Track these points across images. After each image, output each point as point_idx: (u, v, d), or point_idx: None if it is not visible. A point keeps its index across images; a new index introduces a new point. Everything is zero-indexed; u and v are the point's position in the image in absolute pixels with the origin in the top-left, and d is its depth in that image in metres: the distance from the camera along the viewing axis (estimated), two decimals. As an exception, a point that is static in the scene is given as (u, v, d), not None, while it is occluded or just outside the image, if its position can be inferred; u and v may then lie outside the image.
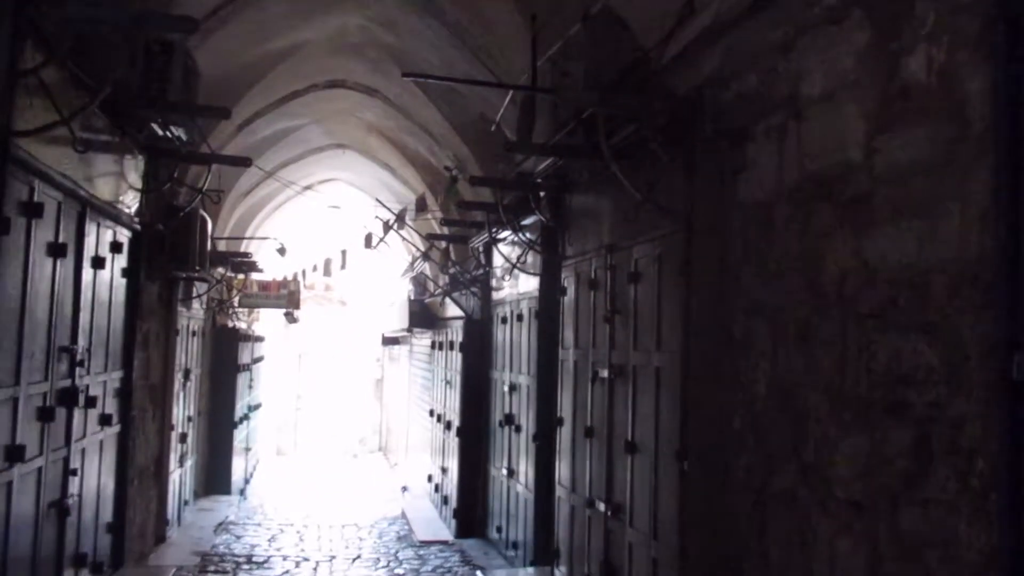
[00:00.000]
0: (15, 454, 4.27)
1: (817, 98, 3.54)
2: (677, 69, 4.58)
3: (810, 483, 3.51)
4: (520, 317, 7.95)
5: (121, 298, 6.48)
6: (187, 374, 9.63)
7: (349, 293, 20.52)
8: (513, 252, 8.13)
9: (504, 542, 8.24)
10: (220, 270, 9.61)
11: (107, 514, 6.35)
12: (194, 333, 10.02)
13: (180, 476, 9.58)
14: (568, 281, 6.51)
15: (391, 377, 18.62)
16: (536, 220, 7.22)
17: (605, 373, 5.52)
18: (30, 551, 4.64)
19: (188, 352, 9.74)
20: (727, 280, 4.20)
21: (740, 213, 4.14)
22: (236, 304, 13.20)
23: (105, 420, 6.04)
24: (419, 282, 13.07)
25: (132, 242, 6.65)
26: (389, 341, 17.22)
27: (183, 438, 9.57)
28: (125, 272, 6.53)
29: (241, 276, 13.50)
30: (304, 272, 12.20)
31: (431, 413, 11.66)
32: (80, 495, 5.52)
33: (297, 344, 20.89)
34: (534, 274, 7.46)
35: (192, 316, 9.85)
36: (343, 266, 11.50)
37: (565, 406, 6.49)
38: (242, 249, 11.41)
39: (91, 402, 5.58)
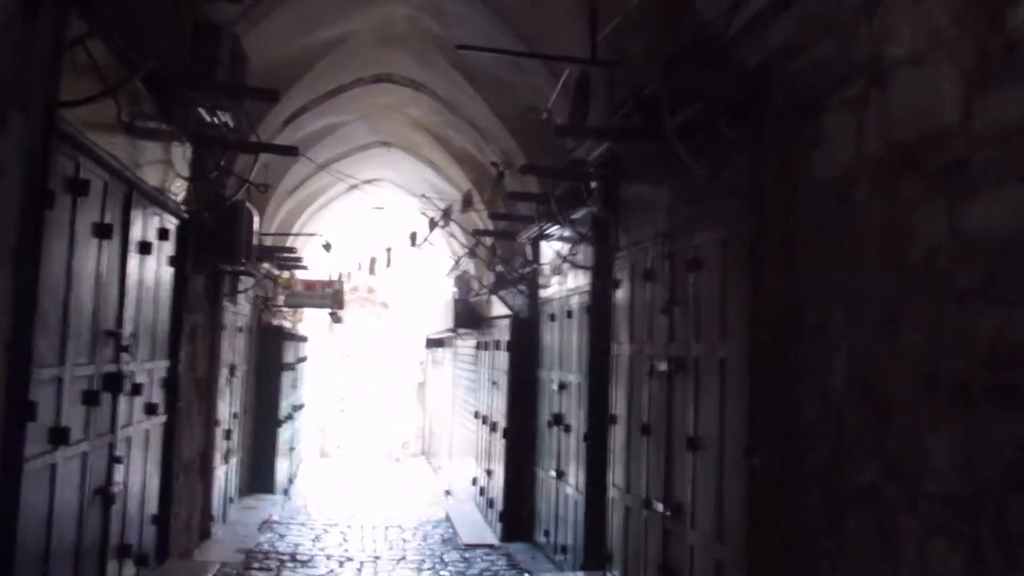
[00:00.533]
0: (59, 436, 4.17)
1: (904, 60, 3.27)
2: (744, 41, 4.34)
3: (895, 479, 3.23)
4: (569, 314, 7.73)
5: (167, 287, 6.41)
6: (232, 370, 9.58)
7: (393, 296, 20.49)
8: (562, 247, 7.93)
9: (552, 546, 8.00)
10: (266, 266, 9.55)
11: (152, 506, 6.25)
12: (239, 329, 9.98)
13: (225, 473, 9.52)
14: (621, 273, 6.27)
15: (434, 380, 18.50)
16: (587, 212, 7.01)
17: (663, 367, 5.27)
18: (74, 538, 4.53)
19: (234, 348, 9.69)
20: (799, 263, 3.94)
21: (814, 191, 3.88)
22: (281, 302, 13.18)
23: (151, 409, 5.95)
24: (464, 282, 12.92)
25: (179, 231, 6.58)
26: (433, 343, 17.10)
27: (228, 434, 9.52)
28: (172, 261, 6.45)
29: (287, 274, 13.50)
30: (349, 273, 12.12)
31: (476, 415, 11.47)
32: (125, 484, 5.42)
33: (341, 346, 20.90)
34: (584, 268, 7.24)
35: (238, 312, 9.81)
36: (388, 264, 11.39)
37: (619, 404, 6.25)
38: (288, 247, 11.36)
39: (136, 389, 5.49)
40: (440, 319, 13.90)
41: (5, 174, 3.63)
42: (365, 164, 12.66)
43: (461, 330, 12.51)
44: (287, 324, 13.69)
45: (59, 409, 4.20)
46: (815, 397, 3.78)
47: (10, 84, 3.62)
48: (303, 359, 15.14)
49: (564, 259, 7.35)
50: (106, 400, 4.93)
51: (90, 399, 4.61)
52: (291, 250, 10.10)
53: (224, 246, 8.02)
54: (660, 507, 5.23)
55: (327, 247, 10.00)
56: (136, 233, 5.44)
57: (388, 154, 11.93)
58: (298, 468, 15.07)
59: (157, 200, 5.85)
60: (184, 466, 7.73)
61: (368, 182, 14.07)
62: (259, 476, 11.66)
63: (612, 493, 6.30)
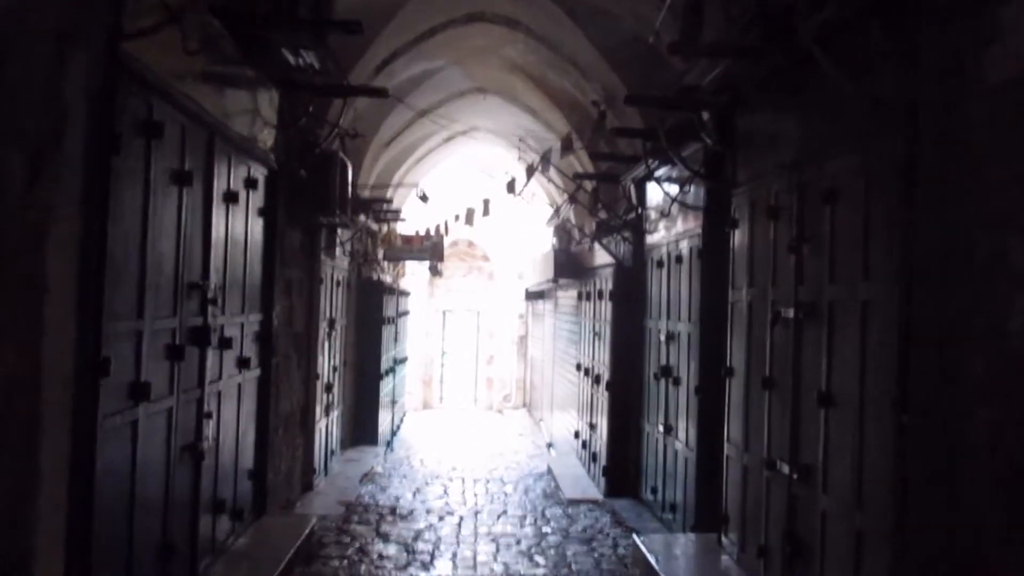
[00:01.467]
0: (140, 392, 3.92)
1: None
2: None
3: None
4: (679, 259, 7.11)
5: (258, 239, 6.14)
6: (332, 324, 9.40)
7: (493, 249, 20.14)
8: (670, 189, 7.28)
9: (659, 504, 7.51)
10: (362, 218, 9.27)
11: (248, 461, 6.08)
12: (338, 283, 9.78)
13: (326, 426, 9.41)
14: (740, 211, 5.61)
15: (535, 333, 18.14)
16: (699, 147, 6.34)
17: (790, 313, 4.63)
18: (161, 494, 4.32)
19: (332, 302, 9.50)
20: (967, 187, 3.24)
21: (986, 98, 3.16)
22: (381, 257, 12.98)
23: (243, 363, 5.73)
24: (564, 231, 12.38)
25: (268, 181, 6.29)
26: (533, 296, 16.69)
27: (328, 388, 9.38)
28: (262, 212, 6.17)
29: (386, 229, 13.28)
30: (446, 223, 11.76)
31: (578, 367, 11.01)
32: (217, 439, 5.21)
33: (441, 301, 20.77)
34: (696, 208, 6.59)
35: (336, 266, 9.60)
36: (485, 213, 10.95)
37: (736, 354, 5.64)
38: (384, 198, 11.07)
39: (226, 343, 5.25)
40: (540, 270, 13.43)
41: (67, 116, 3.32)
42: (462, 112, 12.18)
43: (562, 280, 12.01)
44: (387, 279, 13.50)
45: (139, 364, 3.94)
46: (985, 345, 3.11)
47: (68, 15, 3.30)
48: (405, 313, 14.99)
49: (674, 200, 6.72)
50: (192, 354, 4.69)
51: (174, 353, 4.36)
52: (387, 202, 9.77)
53: (318, 198, 7.76)
54: (785, 468, 4.64)
55: (424, 198, 9.64)
56: (221, 182, 5.14)
57: (484, 101, 11.40)
58: (401, 421, 15.03)
59: (243, 147, 5.55)
60: (283, 420, 7.59)
61: (465, 132, 13.68)
62: (361, 429, 11.58)
63: (728, 451, 5.73)
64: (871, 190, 3.83)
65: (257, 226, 6.10)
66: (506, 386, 20.05)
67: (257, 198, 6.01)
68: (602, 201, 8.97)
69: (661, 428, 7.47)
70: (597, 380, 9.66)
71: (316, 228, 8.48)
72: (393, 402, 13.56)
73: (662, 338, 7.58)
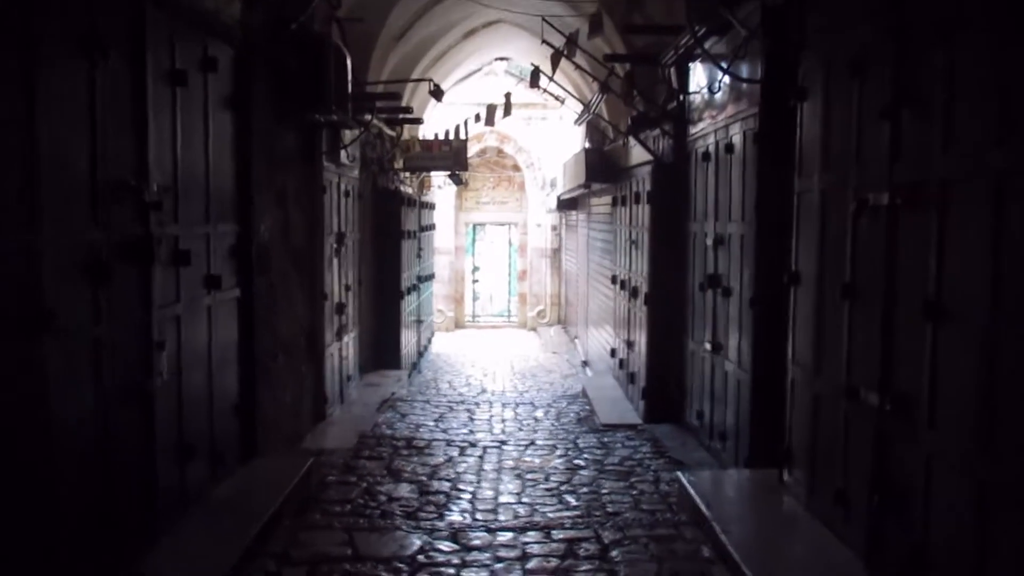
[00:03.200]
0: (39, 323, 3.03)
1: None
2: None
3: None
4: (730, 147, 5.98)
5: (226, 135, 5.16)
6: (340, 239, 8.48)
7: (524, 157, 18.95)
8: (715, 73, 6.10)
9: (707, 430, 6.59)
10: (373, 120, 8.20)
11: (230, 395, 5.25)
12: (347, 193, 8.80)
13: (340, 350, 8.61)
14: (810, 77, 4.46)
15: (569, 245, 17.12)
16: (755, 7, 5.16)
17: (882, 199, 3.55)
18: (93, 446, 3.49)
19: (341, 214, 8.56)
20: None
21: None
22: (399, 165, 11.95)
23: (212, 282, 4.83)
24: (596, 129, 11.20)
25: (236, 64, 5.26)
26: (565, 205, 15.61)
27: (340, 309, 8.53)
28: (230, 102, 5.17)
29: (405, 135, 12.21)
30: (466, 123, 10.65)
31: (613, 280, 10.02)
32: (179, 374, 4.36)
33: (471, 214, 19.77)
34: (751, 82, 5.42)
35: (343, 174, 8.61)
36: (507, 112, 9.81)
37: (804, 257, 4.58)
38: (391, 92, 9.95)
39: (182, 258, 4.33)
40: (572, 175, 12.31)
41: None
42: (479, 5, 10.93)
43: (595, 185, 10.89)
44: (408, 190, 12.50)
45: (38, 288, 3.03)
46: None
47: None
48: (429, 227, 14.04)
49: (725, 71, 5.56)
50: (128, 274, 3.78)
51: (96, 274, 3.44)
52: (394, 96, 8.66)
53: (308, 91, 6.72)
54: (873, 398, 3.64)
55: (436, 94, 8.52)
56: (160, 58, 4.14)
57: (504, -14, 10.12)
58: (428, 342, 14.28)
59: (191, 17, 4.51)
60: (284, 346, 6.76)
61: (486, 25, 12.39)
62: (382, 352, 10.79)
63: (794, 374, 4.74)
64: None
65: (224, 119, 5.11)
66: (540, 302, 19.17)
67: (221, 84, 5.00)
68: (638, 88, 7.78)
69: (708, 346, 6.48)
70: (634, 293, 8.66)
71: (314, 128, 7.47)
72: (419, 322, 12.76)
73: (709, 243, 6.52)
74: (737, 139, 5.85)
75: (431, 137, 12.66)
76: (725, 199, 6.15)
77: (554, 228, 18.71)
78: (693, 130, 7.15)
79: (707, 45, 6.29)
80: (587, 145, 11.52)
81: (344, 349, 8.80)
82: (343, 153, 8.19)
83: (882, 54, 3.56)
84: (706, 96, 6.69)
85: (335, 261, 8.37)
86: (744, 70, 5.58)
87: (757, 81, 5.36)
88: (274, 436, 6.37)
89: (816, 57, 4.34)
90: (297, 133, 7.16)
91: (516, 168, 19.15)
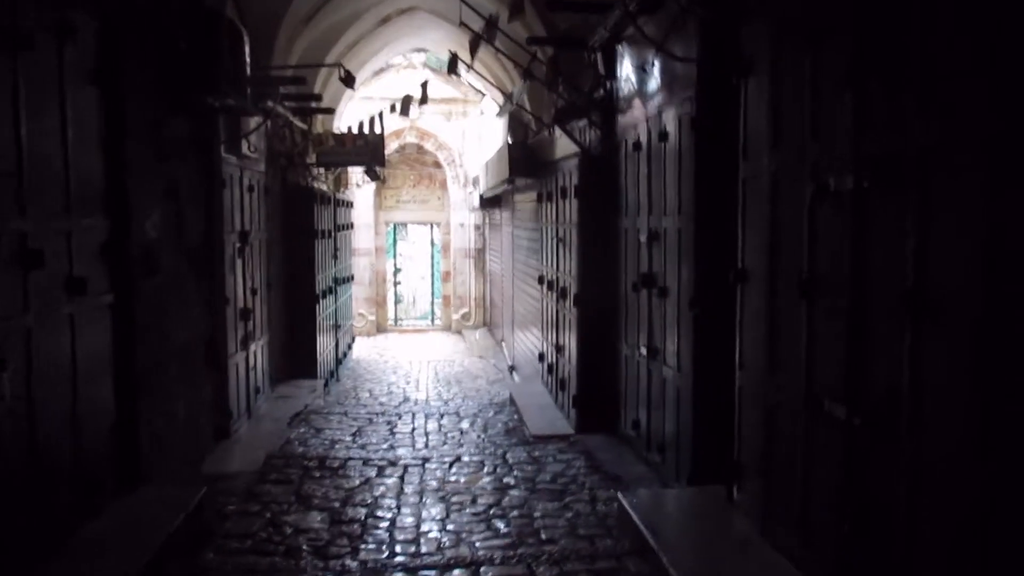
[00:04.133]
0: None
1: None
2: None
3: None
4: (663, 135, 5.54)
5: (92, 115, 4.44)
6: (244, 237, 7.73)
7: (444, 155, 18.33)
8: (649, 56, 5.66)
9: (644, 441, 6.14)
10: (270, 104, 7.49)
11: (104, 416, 4.52)
12: (251, 188, 8.06)
13: (246, 359, 7.87)
14: (755, 46, 4.02)
15: (493, 245, 16.60)
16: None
17: (848, 183, 3.12)
18: None
19: (245, 210, 7.82)
20: None
21: None
22: (311, 160, 11.20)
23: (75, 287, 4.11)
24: (519, 122, 10.70)
25: (103, 35, 4.54)
26: (489, 203, 15.08)
27: (245, 314, 7.78)
28: (95, 78, 4.45)
29: (319, 128, 11.46)
30: (381, 115, 10.01)
31: (540, 280, 9.52)
32: (28, 397, 3.64)
33: (391, 213, 19.04)
34: (687, 63, 4.98)
35: (246, 166, 7.87)
36: (423, 101, 9.21)
37: (752, 252, 4.15)
38: (309, 93, 9.25)
39: (32, 259, 3.62)
40: (495, 172, 11.78)
41: None
42: (393, -15, 10.32)
43: (519, 181, 10.38)
44: (322, 186, 11.76)
45: None
46: None
47: None
48: (346, 226, 13.30)
49: (658, 47, 5.10)
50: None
51: None
52: (303, 83, 7.95)
53: (199, 71, 6.03)
54: (839, 410, 3.21)
55: (347, 81, 7.87)
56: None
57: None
58: (348, 347, 13.54)
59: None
60: (177, 355, 6.03)
61: (402, 11, 11.76)
62: (296, 360, 10.04)
63: (741, 381, 4.30)
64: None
65: (88, 96, 4.38)
66: (465, 304, 18.59)
67: (83, 56, 4.28)
68: (563, 75, 7.30)
69: (644, 350, 6.04)
70: (563, 294, 8.18)
71: (210, 115, 6.74)
72: (337, 327, 12.03)
73: (642, 239, 6.07)
74: (671, 126, 5.41)
75: (346, 131, 11.94)
76: (659, 192, 5.70)
77: (478, 227, 18.16)
78: (623, 119, 6.71)
79: (634, 26, 5.86)
80: (510, 139, 11.00)
81: (251, 358, 8.06)
82: (245, 144, 7.46)
83: (846, 8, 3.12)
84: (636, 81, 6.26)
85: (239, 262, 7.63)
86: (678, 50, 5.15)
87: (693, 60, 4.92)
88: (166, 459, 5.64)
89: (762, 25, 3.91)
90: (191, 120, 6.43)
91: (437, 165, 18.53)
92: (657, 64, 5.66)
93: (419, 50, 14.59)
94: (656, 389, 5.83)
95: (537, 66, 7.42)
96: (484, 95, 17.29)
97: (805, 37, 3.40)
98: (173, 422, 5.86)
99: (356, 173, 16.15)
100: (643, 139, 6.05)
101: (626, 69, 6.57)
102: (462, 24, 7.37)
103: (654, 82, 5.79)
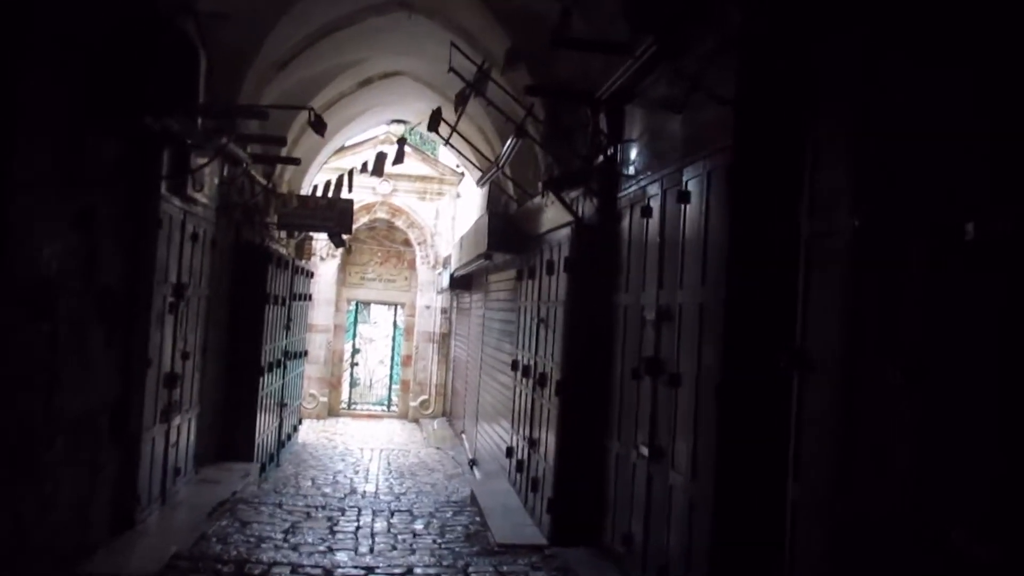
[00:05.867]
0: None
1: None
2: None
3: None
4: (684, 195, 4.63)
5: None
6: (180, 291, 6.62)
7: (416, 234, 17.44)
8: (655, 117, 4.84)
9: (638, 560, 5.00)
10: (225, 140, 6.48)
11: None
12: (195, 237, 6.99)
13: (167, 434, 6.62)
14: (839, 65, 3.15)
15: (460, 330, 15.55)
16: None
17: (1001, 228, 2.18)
18: None
19: (184, 261, 6.73)
20: None
21: None
22: (271, 219, 10.19)
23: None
24: (498, 198, 9.85)
25: None
26: (459, 284, 14.11)
27: (171, 380, 6.58)
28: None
29: (285, 187, 10.49)
30: (351, 173, 9.10)
31: (514, 366, 8.46)
32: None
33: (355, 291, 17.96)
34: (721, 100, 4.11)
35: (191, 211, 6.83)
36: (398, 160, 8.33)
37: (819, 329, 3.17)
38: (275, 136, 8.32)
39: None
40: (470, 247, 10.85)
41: None
42: (378, 40, 9.56)
43: (496, 257, 9.43)
44: (281, 249, 10.70)
45: None
46: None
47: None
48: (304, 297, 12.19)
49: (693, 84, 4.24)
50: None
51: None
52: (261, 115, 6.99)
53: (136, 85, 5.06)
54: (985, 551, 2.18)
55: (316, 126, 6.97)
56: None
57: (408, 23, 8.77)
58: (294, 429, 12.20)
59: None
60: (68, 426, 4.84)
61: (385, 76, 11.02)
62: (230, 439, 8.74)
63: (796, 494, 3.26)
64: None
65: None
66: (424, 391, 17.35)
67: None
68: (560, 135, 6.46)
69: (644, 450, 4.96)
70: (542, 381, 7.12)
71: (151, 143, 5.73)
72: (282, 405, 10.75)
73: (649, 317, 5.09)
74: (695, 184, 4.52)
75: (312, 193, 11.00)
76: (674, 262, 4.77)
77: (444, 311, 17.12)
78: (627, 185, 5.85)
79: (654, 76, 5.08)
80: (488, 207, 10.12)
81: (174, 433, 6.81)
82: (191, 183, 6.43)
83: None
84: (648, 139, 5.43)
85: (169, 319, 6.49)
86: (703, 94, 4.30)
87: (730, 101, 4.06)
88: (31, 556, 4.38)
89: (848, 39, 3.04)
90: (125, 145, 5.42)
91: (407, 243, 17.60)
92: (679, 117, 4.82)
93: (399, 121, 13.88)
94: (659, 497, 4.74)
95: (532, 123, 6.59)
96: (462, 176, 16.60)
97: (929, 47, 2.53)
98: (49, 510, 4.61)
99: (321, 242, 15.19)
100: (655, 203, 5.16)
101: (635, 128, 5.75)
102: (451, 70, 6.53)
103: (673, 137, 4.94)
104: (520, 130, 6.50)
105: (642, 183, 5.43)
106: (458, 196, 17.18)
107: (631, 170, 5.77)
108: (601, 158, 6.24)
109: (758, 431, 3.65)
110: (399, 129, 13.82)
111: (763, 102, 3.85)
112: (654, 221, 5.16)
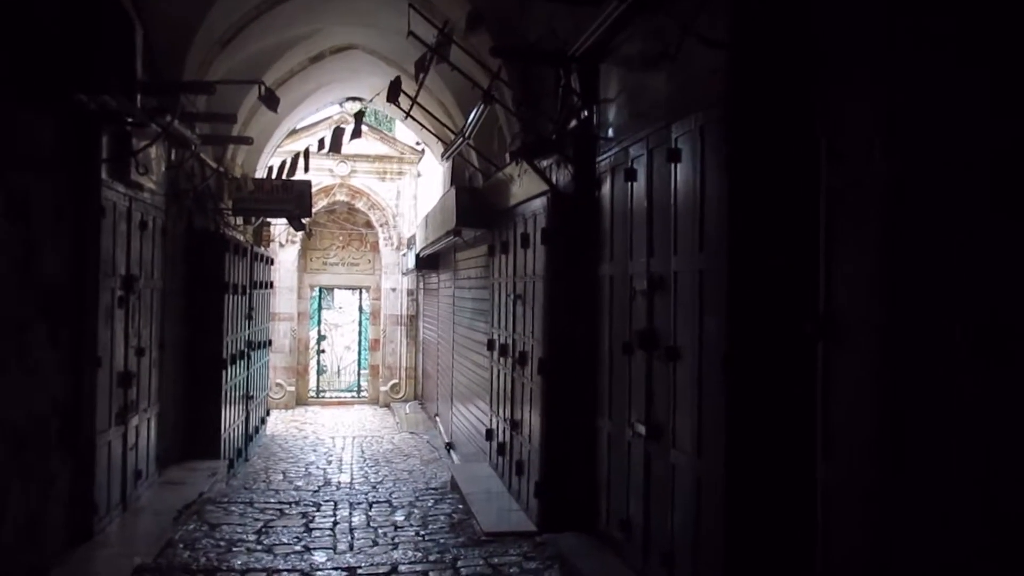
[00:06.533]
0: None
1: None
2: None
3: None
4: (674, 154, 4.26)
5: None
6: (129, 284, 6.10)
7: (377, 215, 16.90)
8: (631, 76, 4.45)
9: (638, 547, 4.67)
10: (169, 119, 5.93)
11: None
12: (143, 225, 6.46)
13: (124, 436, 6.13)
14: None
15: (428, 312, 15.11)
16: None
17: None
18: None
19: (132, 251, 6.21)
20: None
21: None
22: (226, 206, 9.63)
23: None
24: (463, 170, 9.40)
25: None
26: (425, 264, 13.65)
27: (126, 379, 6.09)
28: None
29: (238, 170, 9.91)
30: (307, 152, 8.58)
31: (489, 346, 8.08)
32: None
33: (317, 276, 17.39)
34: (716, 45, 3.72)
35: (137, 197, 6.29)
36: (356, 134, 7.85)
37: (849, 291, 2.83)
38: (222, 114, 7.76)
39: None
40: (436, 225, 10.40)
41: None
42: (328, 11, 9.02)
43: (466, 233, 9.00)
44: (237, 236, 10.14)
45: None
46: None
47: None
48: (264, 285, 11.63)
49: (685, 30, 3.83)
50: None
51: None
52: (207, 89, 6.41)
53: (67, 59, 4.53)
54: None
55: (268, 101, 6.44)
56: None
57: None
58: (262, 421, 11.69)
59: None
60: (14, 433, 4.35)
61: (337, 51, 10.45)
62: (194, 436, 8.24)
63: (827, 473, 2.92)
64: None
65: None
66: (394, 375, 16.91)
67: None
68: (530, 100, 6.04)
69: (641, 428, 4.62)
70: (522, 360, 6.75)
71: (89, 123, 5.20)
72: (248, 398, 10.24)
73: (639, 287, 4.73)
74: (687, 140, 4.14)
75: (267, 176, 10.42)
76: (665, 227, 4.39)
77: (410, 293, 16.65)
78: (606, 148, 5.45)
79: (629, 31, 4.68)
80: (454, 183, 9.67)
81: (132, 435, 6.32)
82: (134, 166, 5.89)
83: None
84: (628, 98, 5.03)
85: (120, 314, 5.98)
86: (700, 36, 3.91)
87: (725, 45, 3.67)
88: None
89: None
90: (56, 123, 4.89)
91: (369, 226, 17.06)
92: (662, 73, 4.43)
93: (354, 99, 13.28)
94: (659, 479, 4.41)
95: (498, 88, 6.15)
96: (422, 154, 16.06)
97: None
98: (2, 523, 4.13)
99: (279, 229, 14.60)
100: (639, 165, 4.77)
101: (611, 87, 5.35)
102: (410, 34, 6.06)
103: (656, 93, 4.55)
104: (487, 95, 6.06)
105: (624, 144, 5.04)
106: (419, 175, 16.66)
107: (610, 132, 5.38)
108: (575, 122, 5.84)
109: (773, 405, 3.31)
110: (354, 107, 13.22)
111: (761, 44, 3.47)
112: (639, 184, 4.78)
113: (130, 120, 5.33)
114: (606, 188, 5.39)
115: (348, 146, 16.12)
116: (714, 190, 3.82)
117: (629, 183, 4.93)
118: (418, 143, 15.32)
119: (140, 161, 5.86)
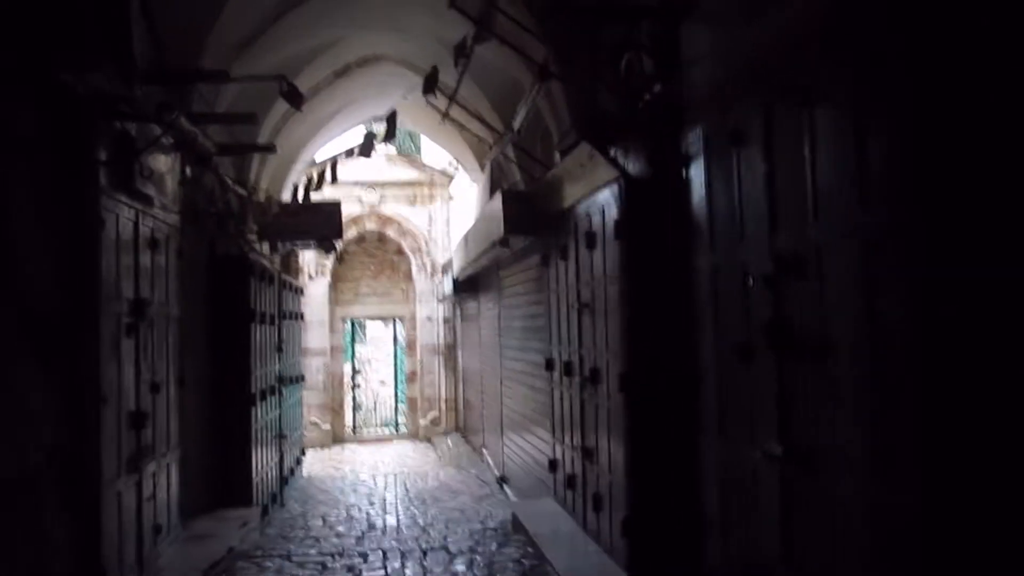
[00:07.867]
0: None
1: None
2: None
3: None
4: (808, 98, 3.26)
5: None
6: (139, 310, 5.18)
7: (409, 242, 16.03)
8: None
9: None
10: (176, 115, 5.04)
11: None
12: (153, 243, 5.56)
13: (138, 486, 5.16)
14: None
15: (468, 339, 14.12)
16: None
17: None
18: None
19: (141, 272, 5.30)
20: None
21: None
22: (251, 234, 8.75)
23: None
24: (502, 179, 8.46)
25: None
26: (464, 288, 12.68)
27: (137, 420, 5.14)
28: None
29: (262, 194, 9.05)
30: (335, 164, 7.69)
31: (548, 365, 7.06)
32: None
33: (350, 308, 16.49)
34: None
35: (146, 211, 5.40)
36: (389, 136, 6.98)
37: None
38: (240, 114, 6.88)
39: None
40: (479, 241, 9.43)
41: None
42: (354, 15, 8.19)
43: (514, 241, 7.99)
44: (264, 263, 9.25)
45: None
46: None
47: None
48: (295, 315, 10.72)
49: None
50: None
51: None
52: (219, 76, 5.55)
53: (46, 24, 3.66)
54: None
55: (290, 96, 5.57)
56: None
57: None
58: (297, 462, 10.71)
59: None
60: (3, 491, 3.39)
61: (347, 70, 9.60)
62: (224, 483, 7.26)
63: None
64: None
65: None
66: (434, 407, 15.88)
67: None
68: (595, 74, 5.09)
69: (776, 448, 3.56)
70: (593, 378, 5.72)
71: (78, 109, 4.31)
72: (281, 437, 9.27)
73: (760, 273, 3.71)
74: (837, 82, 3.15)
75: (293, 198, 9.54)
76: (797, 191, 3.39)
77: (447, 321, 15.69)
78: (693, 119, 4.47)
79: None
80: (493, 187, 8.73)
81: (148, 484, 5.35)
82: (139, 171, 4.99)
83: None
84: (722, 63, 4.06)
85: (128, 344, 5.04)
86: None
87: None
88: None
89: None
90: (40, 112, 4.00)
91: (400, 253, 16.17)
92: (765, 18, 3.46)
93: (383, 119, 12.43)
94: (808, 512, 3.34)
95: (554, 60, 5.20)
96: (452, 177, 15.22)
97: None
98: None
99: (308, 257, 13.75)
100: (754, 126, 3.77)
101: (698, 48, 4.39)
102: (451, 6, 5.15)
103: (768, 42, 3.57)
104: (543, 71, 5.10)
105: (727, 111, 4.05)
106: (450, 199, 15.80)
107: (699, 96, 4.41)
108: (647, 96, 4.89)
109: (994, 413, 2.27)
110: (382, 129, 12.40)
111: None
112: (753, 151, 3.78)
113: (128, 112, 4.43)
114: (704, 162, 4.39)
115: (377, 174, 15.36)
116: (884, 126, 2.81)
117: (737, 148, 3.93)
118: (450, 163, 14.46)
119: (145, 167, 4.96)
